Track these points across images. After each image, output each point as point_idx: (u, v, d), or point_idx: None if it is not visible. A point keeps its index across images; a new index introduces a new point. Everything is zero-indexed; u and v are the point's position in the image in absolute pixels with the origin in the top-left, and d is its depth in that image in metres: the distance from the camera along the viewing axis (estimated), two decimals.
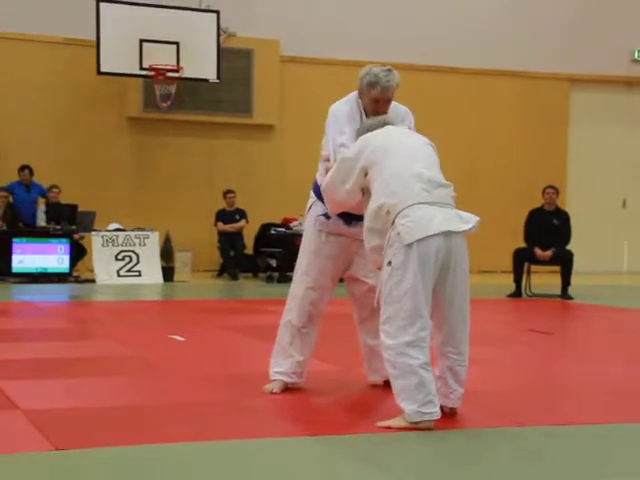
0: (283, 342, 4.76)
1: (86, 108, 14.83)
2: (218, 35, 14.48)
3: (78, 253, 13.10)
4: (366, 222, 4.18)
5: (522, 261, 11.42)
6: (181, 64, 14.05)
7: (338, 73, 16.39)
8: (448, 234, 3.94)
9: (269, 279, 13.86)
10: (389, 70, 4.59)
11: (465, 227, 4.00)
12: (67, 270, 12.75)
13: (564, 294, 11.16)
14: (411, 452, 3.62)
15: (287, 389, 4.73)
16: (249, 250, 15.02)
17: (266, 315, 8.81)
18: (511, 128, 17.30)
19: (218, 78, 14.28)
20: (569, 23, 17.43)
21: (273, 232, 14.38)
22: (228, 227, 14.71)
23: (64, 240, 12.67)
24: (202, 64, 14.19)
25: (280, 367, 4.74)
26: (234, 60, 15.22)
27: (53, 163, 14.42)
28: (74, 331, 7.52)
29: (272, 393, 4.64)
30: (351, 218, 4.62)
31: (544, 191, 11.69)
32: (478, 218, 4.04)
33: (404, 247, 3.90)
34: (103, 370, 5.30)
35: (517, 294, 11.29)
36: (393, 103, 4.65)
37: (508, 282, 11.55)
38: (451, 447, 3.70)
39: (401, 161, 4.08)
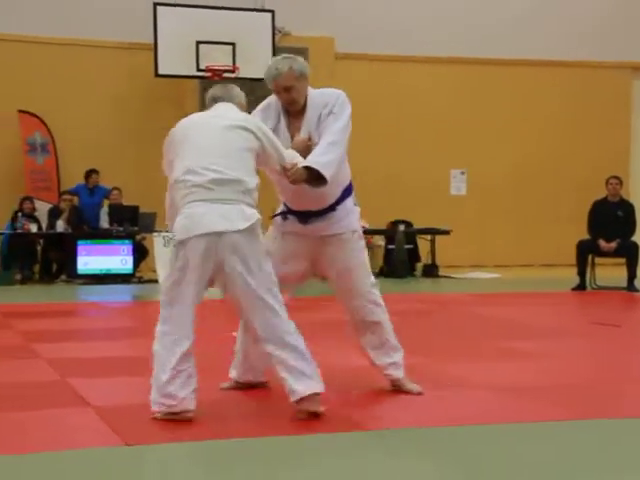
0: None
1: (145, 110, 15.02)
2: (273, 34, 14.56)
3: (140, 254, 13.28)
4: None
5: (586, 253, 11.27)
6: (237, 64, 14.16)
7: (392, 69, 16.38)
8: (219, 234, 3.85)
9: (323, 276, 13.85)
10: (283, 58, 4.48)
11: (238, 227, 3.87)
12: (130, 271, 12.93)
13: (630, 286, 10.98)
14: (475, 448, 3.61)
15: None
16: None
17: (326, 312, 8.84)
18: (571, 118, 17.06)
19: None
20: (633, 11, 17.14)
21: None
22: None
23: (127, 241, 12.86)
24: (257, 64, 14.23)
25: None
26: None
27: (115, 165, 14.63)
28: (139, 330, 7.63)
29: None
30: (307, 216, 4.48)
31: (608, 182, 11.51)
32: (257, 217, 3.93)
33: (176, 245, 3.94)
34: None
35: (581, 287, 11.13)
36: (319, 90, 4.49)
37: (572, 275, 11.40)
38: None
39: (192, 155, 3.99)
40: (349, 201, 4.58)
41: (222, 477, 3.21)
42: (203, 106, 16.52)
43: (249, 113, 4.34)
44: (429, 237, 14.51)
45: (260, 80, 16.79)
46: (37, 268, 13.43)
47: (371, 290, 4.59)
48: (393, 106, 16.31)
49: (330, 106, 4.40)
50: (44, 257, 13.45)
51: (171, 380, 3.92)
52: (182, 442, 3.65)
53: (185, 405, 3.93)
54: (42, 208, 13.75)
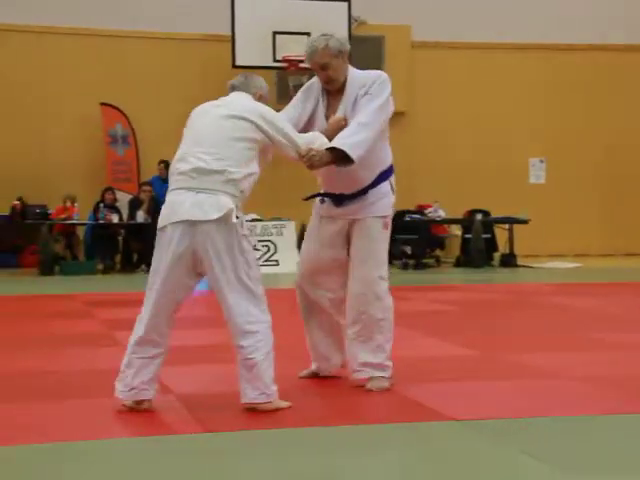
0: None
1: None
2: (349, 24, 14.54)
3: None
4: None
5: None
6: None
7: (469, 56, 16.21)
8: (193, 223, 3.83)
9: (404, 266, 13.84)
10: (321, 35, 4.34)
11: (211, 216, 3.81)
12: None
13: None
14: (558, 438, 3.56)
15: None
16: None
17: (402, 301, 8.82)
18: None
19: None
20: None
21: (407, 219, 14.34)
22: None
23: None
24: None
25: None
26: (365, 48, 15.23)
27: None
28: (217, 319, 7.71)
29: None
30: (341, 199, 4.42)
31: None
32: (230, 207, 3.83)
33: (157, 232, 3.96)
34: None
35: None
36: (361, 71, 4.40)
37: None
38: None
39: (187, 143, 4.03)
40: (384, 185, 4.46)
41: (300, 463, 3.23)
42: (279, 97, 16.74)
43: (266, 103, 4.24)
44: (507, 226, 14.34)
45: None
46: (118, 258, 13.72)
47: (378, 281, 4.41)
48: (470, 94, 16.15)
49: (367, 87, 4.32)
50: (125, 247, 13.72)
51: (125, 368, 3.99)
52: (259, 430, 3.69)
53: (136, 395, 3.97)
54: (123, 199, 14.04)
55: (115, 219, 13.49)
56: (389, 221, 4.49)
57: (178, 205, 3.89)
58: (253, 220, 13.60)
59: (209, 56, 14.98)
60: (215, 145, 3.94)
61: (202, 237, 3.84)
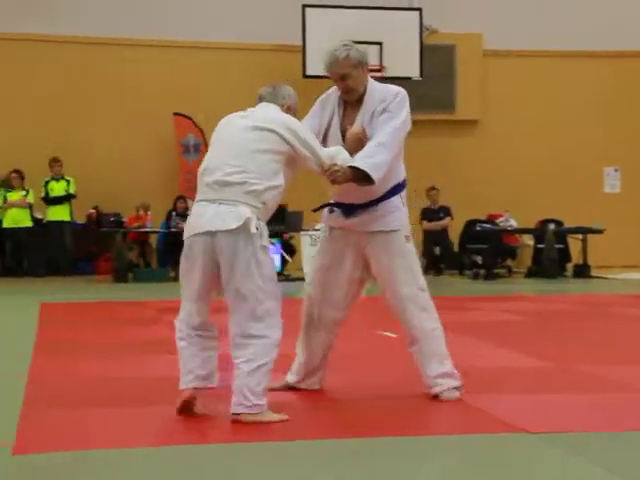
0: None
1: None
2: (421, 32, 14.51)
3: (288, 252, 13.51)
4: None
5: None
6: (384, 63, 14.19)
7: (542, 64, 16.01)
8: (213, 233, 3.88)
9: (475, 276, 13.72)
10: (342, 45, 4.33)
11: (229, 226, 3.84)
12: (279, 269, 13.16)
13: None
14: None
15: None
16: (456, 247, 14.91)
17: (474, 311, 8.74)
18: None
19: (421, 75, 14.32)
20: None
21: (478, 228, 14.21)
22: (432, 225, 14.68)
23: (275, 240, 13.11)
24: (404, 62, 14.26)
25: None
26: (436, 56, 15.18)
27: None
28: (286, 327, 7.75)
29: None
30: (350, 209, 4.38)
31: None
32: (247, 216, 3.84)
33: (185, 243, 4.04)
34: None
35: None
36: (381, 85, 4.41)
37: None
38: None
39: (211, 154, 4.08)
40: (395, 199, 4.45)
41: (375, 469, 3.23)
42: None
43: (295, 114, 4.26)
44: (580, 236, 14.10)
45: (408, 79, 16.79)
46: None
47: (417, 294, 4.39)
48: (543, 102, 15.95)
49: (386, 103, 4.32)
50: None
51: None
52: (330, 439, 3.69)
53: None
54: None
55: None
56: (408, 233, 4.47)
57: (199, 216, 3.96)
58: None
59: (280, 66, 15.05)
60: (238, 157, 3.96)
61: (219, 246, 3.88)
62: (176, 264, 13.79)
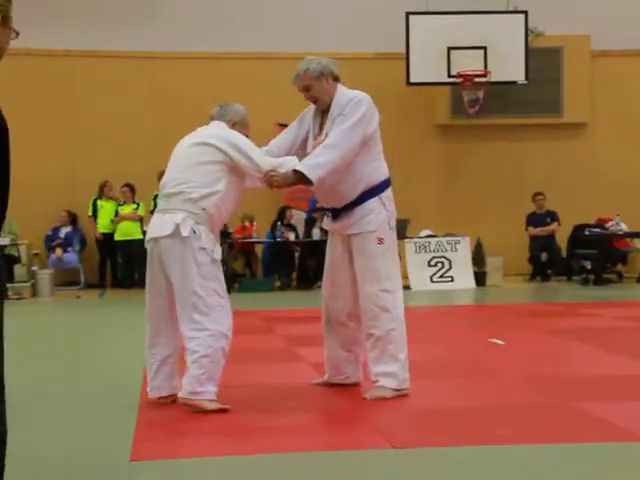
0: None
1: (395, 119, 15.19)
2: (526, 35, 14.26)
3: None
4: None
5: None
6: (488, 68, 14.00)
7: None
8: (156, 239, 4.40)
9: (584, 282, 13.39)
10: (306, 59, 4.71)
11: (165, 232, 4.32)
12: None
13: None
14: None
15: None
16: (564, 252, 14.60)
17: (585, 318, 8.54)
18: None
19: (526, 79, 14.08)
20: None
21: (587, 233, 13.88)
22: (539, 230, 14.41)
23: None
24: (509, 66, 14.04)
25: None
26: (542, 59, 14.89)
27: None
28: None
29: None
30: (337, 212, 4.70)
31: None
32: (176, 222, 4.30)
33: None
34: (429, 373, 5.40)
35: None
36: (341, 90, 4.67)
37: None
38: None
39: (167, 171, 4.60)
40: (372, 202, 4.63)
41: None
42: (453, 112, 16.51)
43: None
44: None
45: (513, 83, 16.53)
46: (294, 275, 14.00)
47: (379, 294, 4.58)
48: None
49: (342, 107, 4.58)
50: (301, 264, 13.99)
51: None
52: (444, 447, 3.65)
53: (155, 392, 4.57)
54: (300, 217, 14.32)
55: (291, 237, 13.78)
56: (383, 235, 4.63)
57: (151, 226, 4.51)
58: (427, 236, 13.55)
59: (383, 74, 15.05)
60: (182, 171, 4.46)
61: (161, 250, 4.38)
62: (281, 273, 13.88)
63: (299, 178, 4.45)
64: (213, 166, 4.42)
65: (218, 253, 4.42)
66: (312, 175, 4.42)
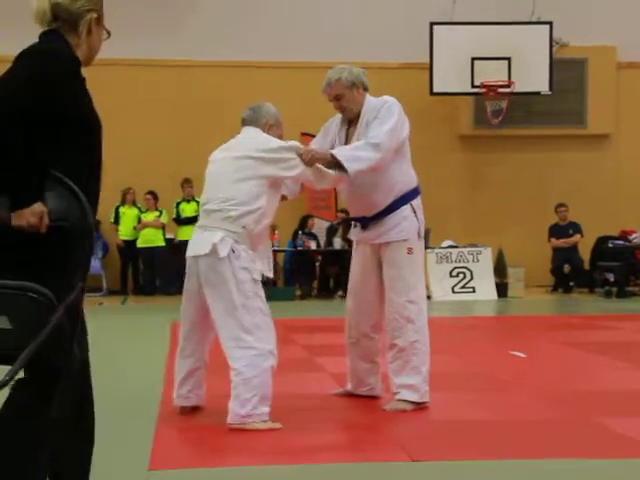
0: None
1: (418, 128, 15.06)
2: (551, 46, 14.21)
3: None
4: None
5: None
6: (512, 79, 13.96)
7: None
8: (195, 257, 4.33)
9: (607, 294, 13.30)
10: (338, 68, 4.70)
11: (203, 251, 4.25)
12: None
13: None
14: None
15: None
16: (586, 264, 14.51)
17: (607, 331, 8.46)
18: None
19: (550, 90, 14.02)
20: None
21: (610, 245, 13.80)
22: (561, 242, 14.34)
23: None
24: (533, 77, 14.00)
25: None
26: (566, 70, 14.84)
27: None
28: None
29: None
30: (363, 222, 4.65)
31: None
32: (214, 242, 4.21)
33: None
34: (449, 385, 5.37)
35: None
36: (369, 98, 4.60)
37: None
38: None
39: (205, 189, 4.47)
40: (404, 209, 4.58)
41: None
42: (476, 122, 16.41)
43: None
44: None
45: (537, 94, 16.45)
46: (315, 284, 13.99)
47: (405, 305, 4.55)
48: None
49: (376, 110, 4.50)
50: (322, 273, 13.98)
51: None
52: (464, 460, 3.63)
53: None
54: (321, 226, 14.32)
55: (313, 245, 13.78)
56: (413, 245, 4.59)
57: (192, 242, 4.44)
58: (449, 247, 13.50)
59: (407, 84, 15.03)
60: (221, 189, 4.33)
61: (199, 269, 4.31)
62: (302, 282, 13.89)
63: (336, 164, 4.36)
64: (254, 181, 4.30)
65: (258, 272, 4.32)
66: (350, 167, 4.33)
